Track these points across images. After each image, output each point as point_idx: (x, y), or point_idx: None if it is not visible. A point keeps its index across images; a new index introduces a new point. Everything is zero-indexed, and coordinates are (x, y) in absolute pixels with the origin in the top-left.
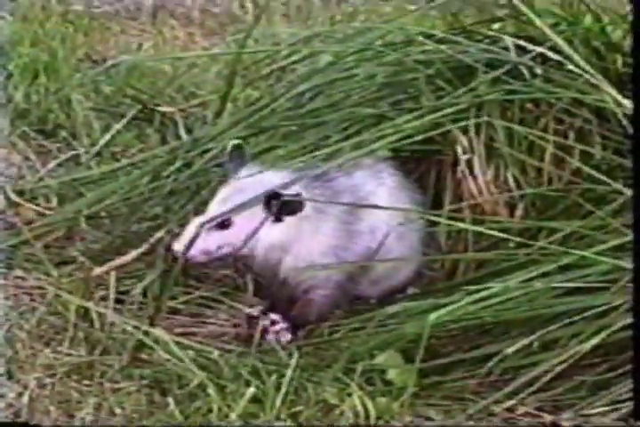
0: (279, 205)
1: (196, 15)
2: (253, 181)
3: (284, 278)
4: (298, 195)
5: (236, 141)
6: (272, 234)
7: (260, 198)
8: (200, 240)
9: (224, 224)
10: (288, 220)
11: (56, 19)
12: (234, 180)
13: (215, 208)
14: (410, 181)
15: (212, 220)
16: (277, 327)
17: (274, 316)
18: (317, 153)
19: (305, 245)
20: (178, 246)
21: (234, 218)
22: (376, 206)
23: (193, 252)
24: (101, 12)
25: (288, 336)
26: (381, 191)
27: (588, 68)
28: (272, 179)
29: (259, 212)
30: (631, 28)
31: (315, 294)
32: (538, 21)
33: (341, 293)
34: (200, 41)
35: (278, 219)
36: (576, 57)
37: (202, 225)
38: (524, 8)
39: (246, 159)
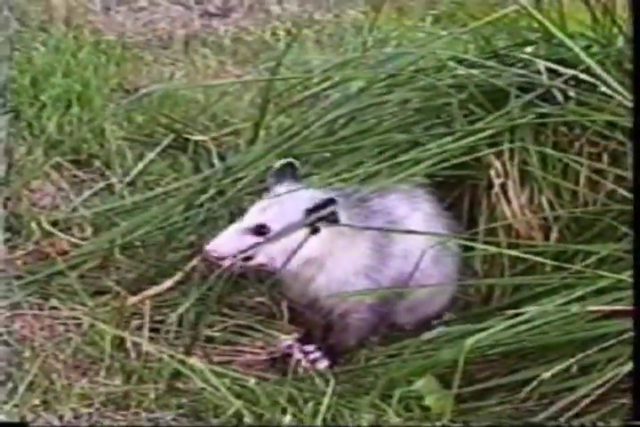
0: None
1: (227, 43)
2: (292, 195)
3: (314, 300)
4: (331, 200)
5: (290, 160)
6: (307, 247)
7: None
8: (234, 242)
9: (261, 231)
10: (323, 234)
11: (88, 49)
12: (272, 194)
13: (253, 216)
14: (445, 208)
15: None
16: (311, 357)
17: (307, 347)
18: (354, 173)
19: (339, 263)
20: (210, 246)
21: (271, 225)
22: (412, 231)
23: (224, 251)
24: (133, 41)
25: (325, 363)
26: (417, 216)
27: (621, 89)
28: (311, 195)
29: (297, 223)
30: (632, 26)
31: (351, 319)
32: (570, 44)
33: (377, 317)
34: (232, 69)
35: (315, 229)
36: (609, 79)
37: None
38: (556, 31)
39: (293, 179)
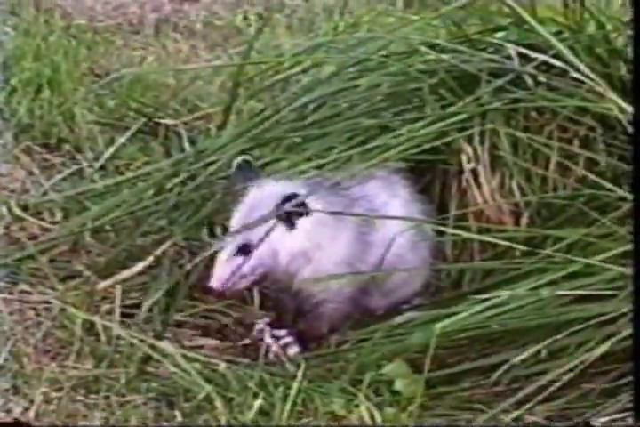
0: (288, 211)
1: (198, 28)
2: (260, 198)
3: (297, 290)
4: (294, 195)
5: (243, 157)
6: (292, 243)
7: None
8: (230, 271)
9: (246, 250)
10: (306, 227)
11: (59, 33)
12: (245, 198)
13: (231, 237)
14: (420, 193)
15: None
16: (282, 342)
17: (277, 332)
18: (325, 161)
19: (325, 254)
20: (214, 283)
21: (253, 241)
22: (386, 216)
23: (228, 284)
24: (104, 25)
25: (295, 349)
26: (396, 203)
27: (591, 75)
28: (282, 190)
29: (272, 224)
30: (633, 31)
31: (325, 308)
32: (541, 29)
33: (352, 306)
34: (203, 54)
35: (291, 224)
36: (579, 64)
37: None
38: (527, 16)
39: (254, 175)
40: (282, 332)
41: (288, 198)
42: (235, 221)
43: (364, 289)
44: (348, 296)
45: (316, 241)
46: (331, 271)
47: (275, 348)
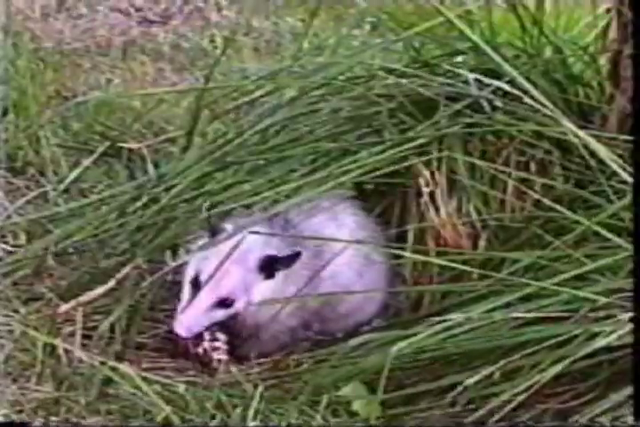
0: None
1: (166, 50)
2: (242, 249)
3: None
4: (298, 253)
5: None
6: (264, 291)
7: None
8: (202, 320)
9: (228, 303)
10: (278, 275)
11: (27, 56)
12: (219, 244)
13: (211, 289)
14: (371, 220)
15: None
16: (215, 344)
17: (219, 335)
18: (285, 187)
19: (287, 296)
20: (182, 331)
21: (234, 296)
22: (334, 240)
23: (195, 330)
24: (72, 48)
25: (222, 356)
26: (342, 234)
27: (545, 102)
28: (259, 243)
29: (253, 276)
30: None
31: (263, 334)
32: (494, 55)
33: (290, 337)
34: (170, 76)
35: (272, 276)
36: (533, 91)
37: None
38: (480, 42)
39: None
40: (222, 336)
41: (288, 257)
42: (209, 269)
43: (306, 323)
44: (288, 327)
45: (283, 288)
46: (289, 313)
47: (206, 345)
